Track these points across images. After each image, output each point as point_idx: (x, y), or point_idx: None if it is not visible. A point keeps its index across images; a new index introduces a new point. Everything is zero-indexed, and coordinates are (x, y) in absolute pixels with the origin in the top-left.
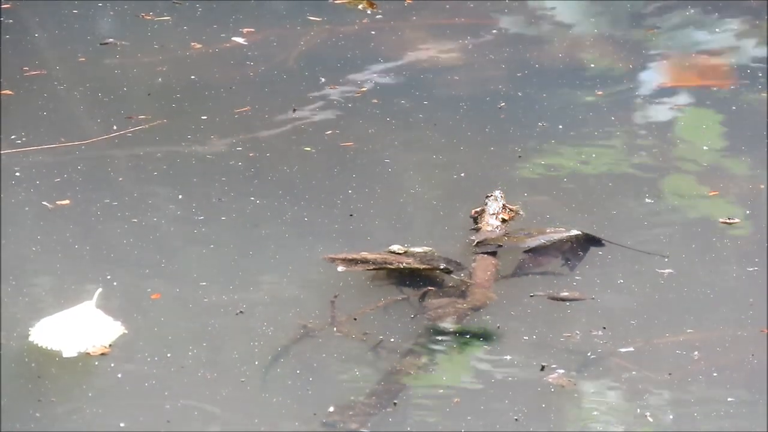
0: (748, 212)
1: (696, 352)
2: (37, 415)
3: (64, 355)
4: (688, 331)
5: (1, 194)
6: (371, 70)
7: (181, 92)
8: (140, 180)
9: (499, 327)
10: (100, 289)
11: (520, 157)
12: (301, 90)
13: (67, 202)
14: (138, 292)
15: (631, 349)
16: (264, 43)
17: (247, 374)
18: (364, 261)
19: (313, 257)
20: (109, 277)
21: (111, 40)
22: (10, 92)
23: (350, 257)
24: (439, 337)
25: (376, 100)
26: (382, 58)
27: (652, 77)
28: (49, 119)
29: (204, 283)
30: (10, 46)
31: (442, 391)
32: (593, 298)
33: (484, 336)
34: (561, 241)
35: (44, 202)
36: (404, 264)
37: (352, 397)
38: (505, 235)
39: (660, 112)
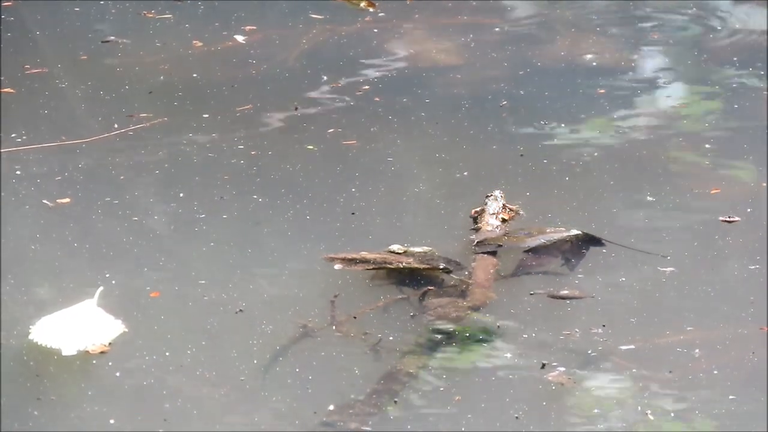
0: (749, 210)
1: (696, 350)
2: (36, 413)
3: (64, 354)
4: (689, 329)
5: (1, 192)
6: (373, 69)
7: (182, 90)
8: (141, 178)
9: (499, 326)
10: (101, 288)
11: (521, 155)
12: (303, 88)
13: (67, 200)
14: (138, 291)
15: (632, 347)
16: (266, 42)
17: (246, 373)
18: (364, 261)
19: (314, 256)
20: (108, 275)
21: (112, 38)
22: (11, 90)
23: (350, 257)
24: (439, 337)
25: (378, 99)
26: (384, 57)
27: (654, 75)
28: (50, 117)
29: (203, 282)
30: (11, 44)
31: (442, 389)
32: (593, 296)
33: (484, 335)
34: (561, 241)
35: (45, 201)
36: (404, 264)
37: (352, 397)
38: (505, 235)
39: (661, 110)
